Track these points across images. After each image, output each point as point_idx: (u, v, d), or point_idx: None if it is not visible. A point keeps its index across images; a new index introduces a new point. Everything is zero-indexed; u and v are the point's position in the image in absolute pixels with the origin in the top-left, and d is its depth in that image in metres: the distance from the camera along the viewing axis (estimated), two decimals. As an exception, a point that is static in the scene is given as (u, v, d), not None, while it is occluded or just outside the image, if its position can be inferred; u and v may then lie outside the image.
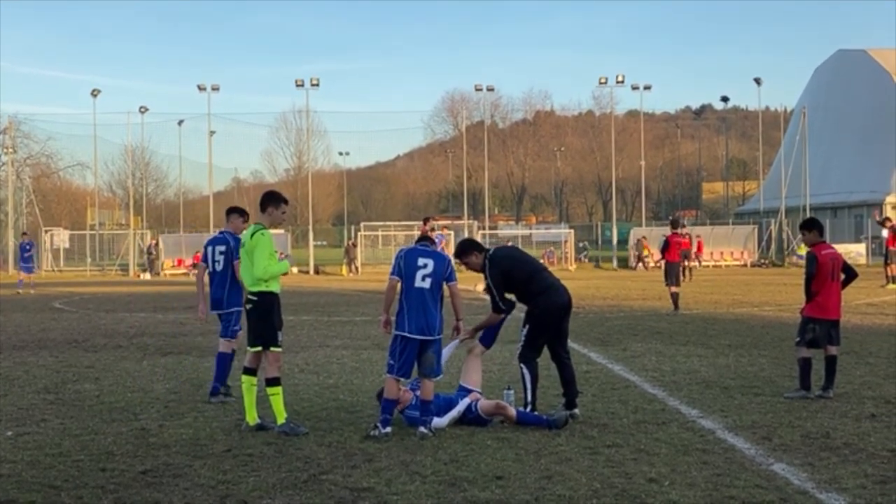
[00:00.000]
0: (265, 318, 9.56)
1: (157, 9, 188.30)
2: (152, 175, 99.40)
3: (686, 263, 42.05)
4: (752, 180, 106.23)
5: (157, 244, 61.51)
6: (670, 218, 27.00)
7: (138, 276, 57.65)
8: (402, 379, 9.34)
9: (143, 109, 69.14)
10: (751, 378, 12.39)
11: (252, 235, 9.56)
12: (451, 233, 59.49)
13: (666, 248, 23.86)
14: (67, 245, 66.07)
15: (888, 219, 35.04)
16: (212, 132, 67.39)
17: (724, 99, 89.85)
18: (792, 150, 66.08)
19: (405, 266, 9.39)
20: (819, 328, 11.05)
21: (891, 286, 31.31)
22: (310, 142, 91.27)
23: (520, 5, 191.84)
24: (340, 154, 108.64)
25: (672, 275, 23.44)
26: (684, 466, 7.77)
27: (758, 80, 69.35)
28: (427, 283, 9.30)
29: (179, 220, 77.12)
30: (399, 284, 9.40)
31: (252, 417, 9.53)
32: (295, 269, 59.89)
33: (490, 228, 72.12)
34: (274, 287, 9.65)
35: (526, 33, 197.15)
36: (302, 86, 62.85)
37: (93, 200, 72.26)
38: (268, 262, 9.49)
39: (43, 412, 10.64)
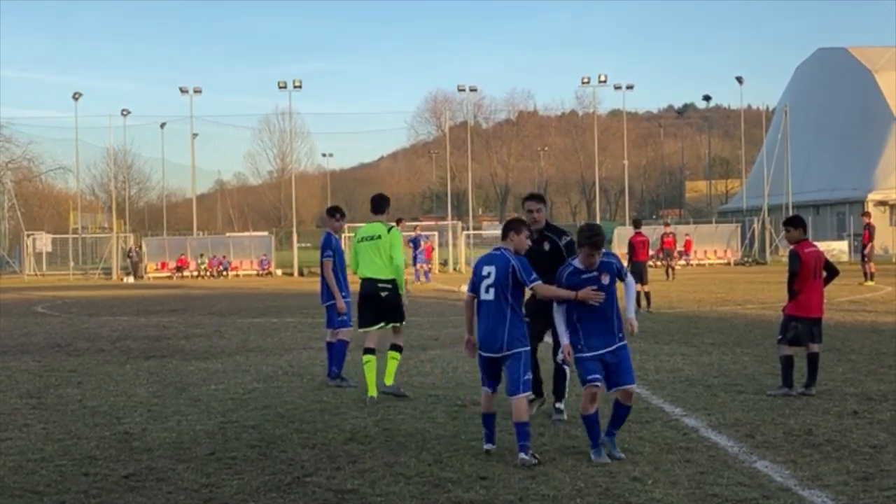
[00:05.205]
0: (399, 300, 11.37)
1: (139, 11, 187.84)
2: (135, 178, 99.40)
3: (670, 262, 42.34)
4: (734, 178, 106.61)
5: (139, 248, 61.29)
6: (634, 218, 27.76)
7: (121, 279, 57.43)
8: (489, 389, 8.40)
9: (125, 112, 69.11)
10: (734, 376, 12.42)
11: (389, 231, 11.35)
12: (435, 234, 59.55)
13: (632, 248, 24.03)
14: (50, 249, 65.87)
15: (868, 213, 35.51)
16: (194, 135, 67.30)
17: (707, 98, 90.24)
18: (774, 149, 66.34)
19: (475, 278, 8.40)
20: (801, 326, 11.09)
21: (868, 283, 31.55)
22: (293, 143, 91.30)
23: (502, 5, 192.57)
24: (324, 155, 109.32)
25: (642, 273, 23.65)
26: (668, 465, 7.79)
27: (739, 79, 69.86)
28: (491, 295, 8.20)
29: (163, 223, 76.87)
30: (475, 300, 8.42)
31: (373, 391, 11.01)
32: (279, 272, 59.91)
33: (474, 229, 72.13)
34: None
35: (508, 33, 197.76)
36: (284, 87, 62.78)
37: (75, 204, 71.91)
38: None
39: (25, 417, 10.58)
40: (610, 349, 8.09)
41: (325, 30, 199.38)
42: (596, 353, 8.06)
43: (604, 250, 8.19)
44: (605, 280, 8.11)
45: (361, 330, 11.44)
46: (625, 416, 8.32)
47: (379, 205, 11.67)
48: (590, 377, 8.06)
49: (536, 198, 10.20)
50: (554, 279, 8.30)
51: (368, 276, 11.35)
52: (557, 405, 9.83)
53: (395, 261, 11.30)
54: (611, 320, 8.13)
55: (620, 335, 8.17)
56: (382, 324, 11.38)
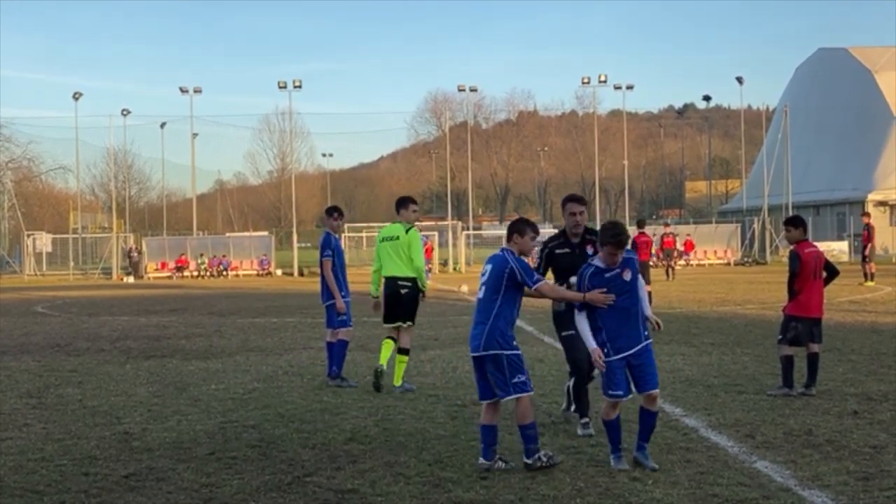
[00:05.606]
0: (416, 299, 11.90)
1: (139, 11, 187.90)
2: (135, 178, 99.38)
3: (670, 262, 42.34)
4: (734, 179, 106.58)
5: (139, 248, 61.22)
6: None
7: (121, 279, 57.41)
8: (485, 402, 7.96)
9: (125, 112, 69.12)
10: (734, 376, 12.42)
11: (407, 231, 11.83)
12: (435, 234, 59.52)
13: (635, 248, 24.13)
14: (50, 249, 65.80)
15: (868, 214, 35.59)
16: (194, 135, 67.31)
17: (707, 98, 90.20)
18: (774, 149, 66.34)
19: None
20: (801, 326, 11.09)
21: (868, 283, 31.58)
22: (293, 143, 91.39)
23: (502, 5, 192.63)
24: (324, 155, 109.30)
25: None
26: (668, 465, 7.78)
27: (739, 79, 69.85)
28: (481, 293, 7.93)
29: (163, 222, 76.84)
30: None
31: (384, 361, 11.75)
32: (279, 272, 59.90)
33: (474, 229, 72.14)
34: None
35: (508, 33, 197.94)
36: (284, 87, 62.73)
37: (75, 204, 71.92)
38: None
39: (25, 417, 10.58)
40: (637, 349, 7.73)
41: (325, 30, 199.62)
42: (623, 354, 7.73)
43: None
44: (627, 276, 7.76)
45: (386, 326, 12.05)
46: (653, 424, 7.91)
47: (397, 206, 12.21)
48: (613, 392, 7.81)
49: (580, 200, 9.61)
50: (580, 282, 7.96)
51: (391, 274, 11.89)
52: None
53: (414, 262, 11.85)
54: (636, 318, 7.79)
55: (646, 333, 7.85)
56: (400, 322, 11.90)
